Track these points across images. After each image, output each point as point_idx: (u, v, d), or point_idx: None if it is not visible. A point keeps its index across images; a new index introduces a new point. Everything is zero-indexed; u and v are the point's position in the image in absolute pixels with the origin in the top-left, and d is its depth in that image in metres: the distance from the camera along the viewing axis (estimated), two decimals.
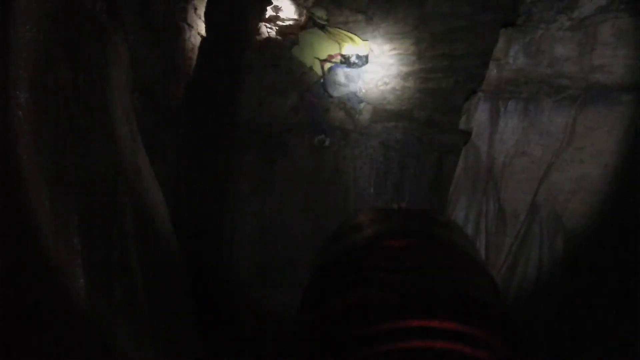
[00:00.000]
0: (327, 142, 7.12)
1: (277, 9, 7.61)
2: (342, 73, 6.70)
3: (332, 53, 6.65)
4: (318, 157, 7.17)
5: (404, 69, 7.11)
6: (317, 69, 6.81)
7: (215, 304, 6.03)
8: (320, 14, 6.88)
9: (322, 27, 6.78)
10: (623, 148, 3.75)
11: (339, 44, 6.62)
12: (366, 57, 6.73)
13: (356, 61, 6.66)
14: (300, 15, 7.63)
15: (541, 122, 4.11)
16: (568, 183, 3.99)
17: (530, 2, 4.06)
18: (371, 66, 7.03)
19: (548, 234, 4.15)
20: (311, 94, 7.02)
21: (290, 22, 7.63)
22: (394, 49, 7.16)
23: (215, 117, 6.95)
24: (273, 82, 7.28)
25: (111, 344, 3.05)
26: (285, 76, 7.29)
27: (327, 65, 6.71)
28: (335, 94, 6.86)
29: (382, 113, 7.16)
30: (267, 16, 7.53)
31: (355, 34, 6.84)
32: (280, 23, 7.60)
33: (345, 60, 6.66)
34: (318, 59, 6.72)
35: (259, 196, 7.10)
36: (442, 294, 0.65)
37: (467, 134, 4.98)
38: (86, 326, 2.90)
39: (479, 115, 4.66)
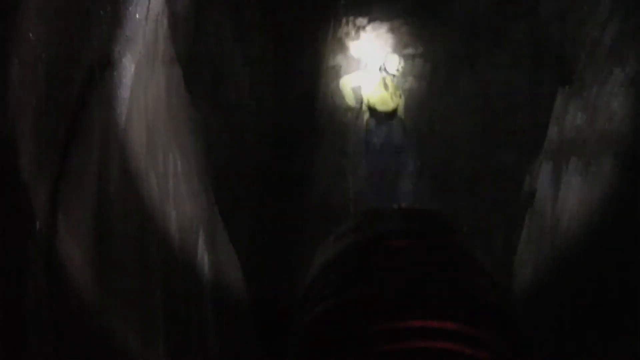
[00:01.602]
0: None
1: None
2: (372, 123, 6.83)
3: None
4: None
5: (466, 146, 7.10)
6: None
7: None
8: (394, 62, 6.88)
9: (392, 77, 6.82)
10: None
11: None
12: (390, 114, 6.80)
13: (379, 117, 6.76)
14: None
15: (602, 182, 4.05)
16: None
17: (584, 64, 4.10)
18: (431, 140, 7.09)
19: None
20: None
21: None
22: (456, 122, 7.16)
23: (286, 200, 6.95)
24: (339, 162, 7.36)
25: None
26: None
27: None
28: (371, 138, 6.94)
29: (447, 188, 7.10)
30: None
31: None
32: None
33: (374, 115, 6.79)
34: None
35: None
36: (442, 294, 0.70)
37: (531, 195, 4.95)
38: None
39: (542, 175, 4.65)
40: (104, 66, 2.27)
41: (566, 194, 4.38)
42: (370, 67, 7.28)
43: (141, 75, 2.71)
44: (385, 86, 6.73)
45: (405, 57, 7.08)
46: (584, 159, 4.18)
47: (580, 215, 4.27)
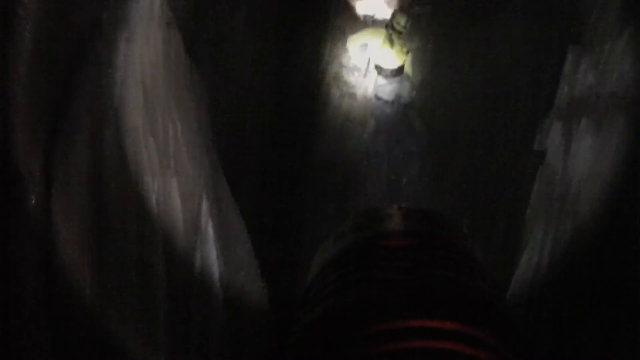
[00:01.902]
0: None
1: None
2: (380, 79, 6.83)
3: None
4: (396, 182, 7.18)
5: (473, 101, 7.02)
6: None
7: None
8: (400, 19, 6.75)
9: (399, 34, 6.72)
10: None
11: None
12: (397, 70, 6.76)
13: (386, 74, 6.73)
14: None
15: (614, 141, 3.98)
16: None
17: (595, 19, 4.00)
18: (438, 93, 7.04)
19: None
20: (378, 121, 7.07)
21: None
22: (463, 76, 7.10)
23: (293, 152, 7.02)
24: (350, 110, 7.35)
25: None
26: (362, 103, 7.34)
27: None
28: (384, 96, 6.92)
29: (456, 140, 7.09)
30: None
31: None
32: None
33: (377, 69, 6.75)
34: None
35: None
36: (442, 294, 0.66)
37: (541, 155, 4.90)
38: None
39: (552, 135, 4.59)
40: (95, 31, 2.20)
41: (577, 154, 4.31)
42: (377, 25, 7.19)
43: (136, 39, 2.63)
44: (391, 43, 6.67)
45: (411, 16, 6.95)
46: (595, 119, 4.11)
47: (591, 176, 4.22)
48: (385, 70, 6.72)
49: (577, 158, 4.29)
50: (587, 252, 3.85)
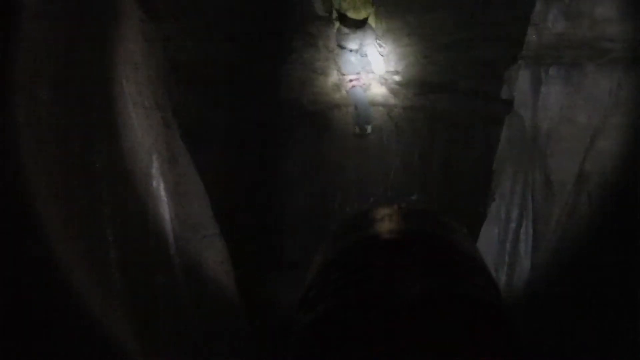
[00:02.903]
0: (369, 130, 7.01)
1: None
2: (344, 30, 6.65)
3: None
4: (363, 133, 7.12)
5: (445, 39, 6.94)
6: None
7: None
8: None
9: None
10: None
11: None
12: (361, 21, 6.59)
13: (350, 24, 6.57)
14: None
15: (585, 88, 3.96)
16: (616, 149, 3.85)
17: None
18: (409, 39, 6.91)
19: (597, 203, 4.02)
20: (346, 72, 6.93)
21: None
22: (434, 19, 7.00)
23: (258, 99, 6.94)
24: (313, 61, 7.23)
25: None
26: (324, 54, 7.22)
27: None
28: (344, 43, 6.76)
29: (425, 86, 7.03)
30: None
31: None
32: None
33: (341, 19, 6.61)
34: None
35: (307, 178, 7.07)
36: (442, 294, 0.64)
37: (509, 103, 4.87)
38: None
39: (521, 83, 4.54)
40: None
41: (546, 100, 4.28)
42: None
43: None
44: None
45: None
46: (565, 66, 4.06)
47: (562, 121, 4.21)
48: (350, 20, 6.54)
49: (547, 104, 4.27)
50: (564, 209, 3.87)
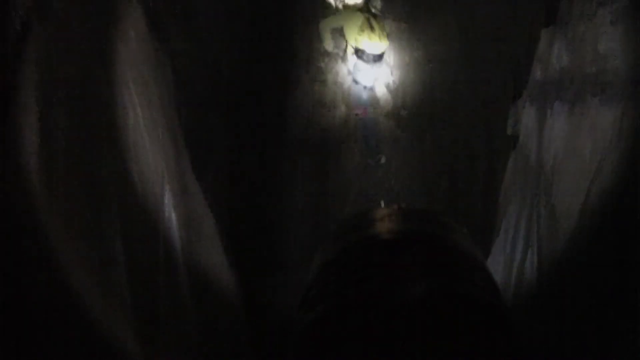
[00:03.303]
0: (382, 160, 7.03)
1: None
2: (360, 64, 6.63)
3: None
4: (369, 168, 7.13)
5: (451, 75, 7.00)
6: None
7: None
8: (376, 1, 6.67)
9: (374, 16, 6.53)
10: None
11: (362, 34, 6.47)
12: (379, 56, 6.58)
13: (368, 59, 6.53)
14: None
15: (589, 121, 3.98)
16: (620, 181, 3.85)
17: None
18: (414, 74, 6.97)
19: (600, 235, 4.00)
20: (355, 105, 6.98)
21: None
22: (439, 55, 7.07)
23: (263, 134, 6.98)
24: (320, 96, 7.28)
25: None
26: (333, 89, 7.27)
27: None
28: (360, 79, 6.77)
29: (432, 121, 7.08)
30: None
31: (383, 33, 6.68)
32: None
33: (358, 54, 6.56)
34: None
35: (312, 210, 7.08)
36: (442, 294, 0.63)
37: (515, 138, 4.90)
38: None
39: (526, 118, 4.58)
40: (45, 13, 2.08)
41: (550, 137, 4.30)
42: (348, 8, 7.08)
43: (92, 20, 2.51)
44: (371, 27, 6.52)
45: None
46: (569, 100, 4.10)
47: (567, 155, 4.23)
48: (368, 55, 6.55)
49: (552, 138, 4.29)
50: (569, 236, 3.86)
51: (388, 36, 6.71)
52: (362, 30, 6.46)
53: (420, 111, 7.15)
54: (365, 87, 6.85)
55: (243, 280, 4.94)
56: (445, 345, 0.60)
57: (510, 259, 4.78)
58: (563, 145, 4.22)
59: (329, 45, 6.77)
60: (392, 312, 0.63)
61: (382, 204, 6.73)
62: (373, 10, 6.55)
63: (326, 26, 6.66)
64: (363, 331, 0.62)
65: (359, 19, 6.50)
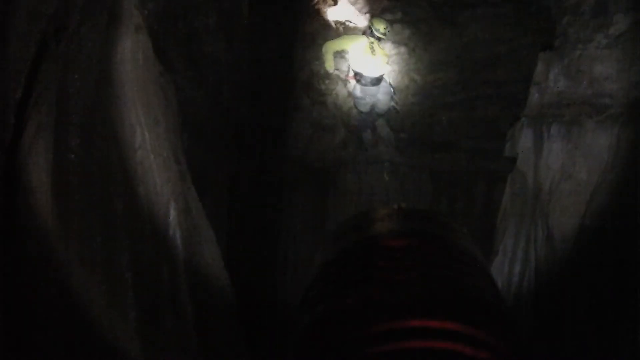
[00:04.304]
0: (386, 178, 7.11)
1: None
2: (358, 88, 6.71)
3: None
4: (368, 191, 7.18)
5: (449, 98, 7.08)
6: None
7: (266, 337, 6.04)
8: (379, 25, 6.69)
9: (379, 41, 6.65)
10: None
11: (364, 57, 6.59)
12: (377, 79, 6.67)
13: (366, 82, 6.63)
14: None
15: (585, 144, 4.04)
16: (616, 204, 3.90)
17: (567, 24, 4.04)
18: (413, 98, 7.07)
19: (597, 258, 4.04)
20: (357, 127, 7.06)
21: None
22: (438, 79, 7.15)
23: (263, 156, 7.03)
24: (320, 119, 7.34)
25: None
26: (333, 112, 7.33)
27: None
28: (360, 108, 6.87)
29: (430, 144, 7.14)
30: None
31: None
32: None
33: (357, 77, 6.66)
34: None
35: (310, 233, 7.12)
36: (443, 294, 0.66)
37: (512, 161, 4.94)
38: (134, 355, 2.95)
39: (523, 141, 4.62)
40: (60, 35, 2.14)
41: (548, 158, 4.36)
42: (349, 32, 7.18)
43: (103, 43, 2.58)
44: (373, 51, 6.60)
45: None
46: (566, 123, 4.16)
47: (562, 180, 4.28)
48: (366, 78, 6.65)
49: (549, 161, 4.34)
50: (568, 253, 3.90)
51: (388, 60, 6.80)
52: (364, 53, 6.55)
53: (419, 134, 7.21)
54: (361, 113, 6.93)
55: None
56: (446, 346, 0.61)
57: (508, 280, 4.81)
58: (560, 167, 4.27)
59: (330, 67, 6.83)
60: (392, 313, 0.64)
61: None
62: (377, 34, 6.62)
63: (330, 49, 6.72)
64: (363, 331, 0.63)
65: (363, 42, 6.60)
